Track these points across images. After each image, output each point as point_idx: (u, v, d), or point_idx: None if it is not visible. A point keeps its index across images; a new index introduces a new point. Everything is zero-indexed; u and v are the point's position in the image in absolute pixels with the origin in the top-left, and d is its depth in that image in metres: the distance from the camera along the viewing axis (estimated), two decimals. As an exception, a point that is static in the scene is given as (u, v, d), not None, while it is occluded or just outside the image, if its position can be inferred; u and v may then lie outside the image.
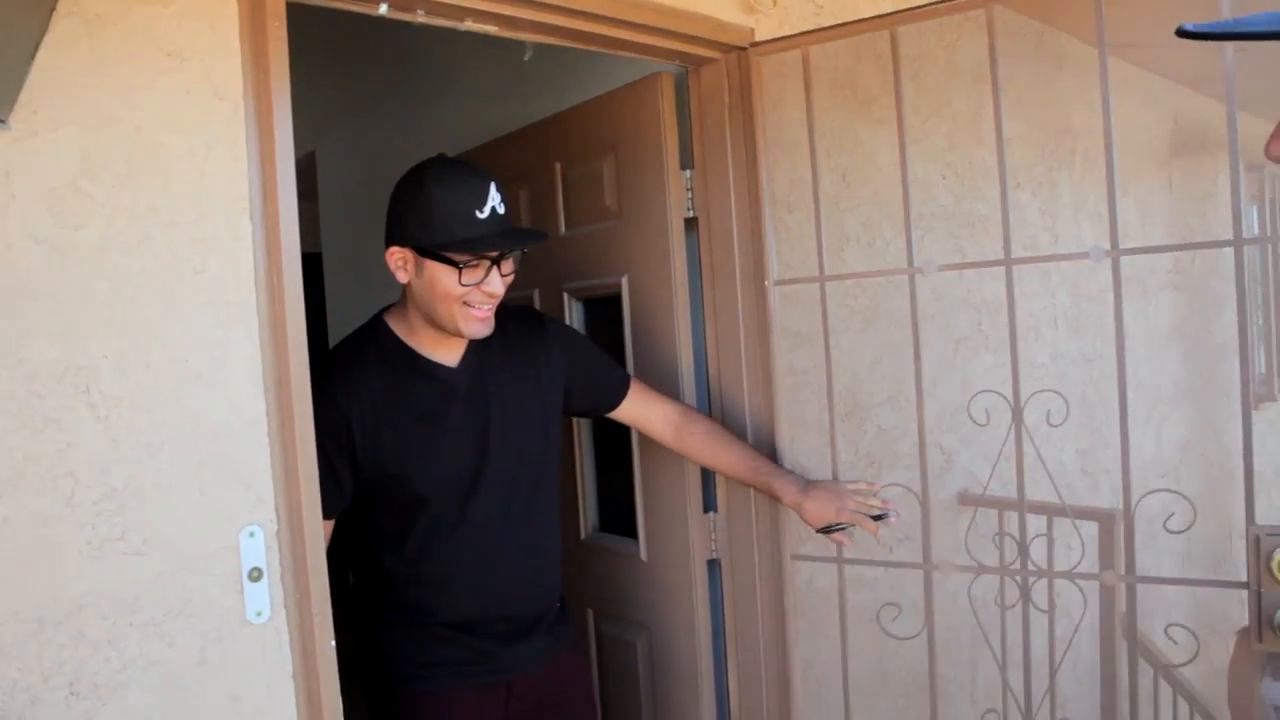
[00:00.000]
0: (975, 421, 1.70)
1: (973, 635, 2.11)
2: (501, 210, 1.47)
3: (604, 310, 2.12)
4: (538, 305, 2.24)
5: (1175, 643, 1.60)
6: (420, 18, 1.47)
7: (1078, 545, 2.04)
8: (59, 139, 1.09)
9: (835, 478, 1.82)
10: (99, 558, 1.12)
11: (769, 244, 1.81)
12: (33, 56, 1.05)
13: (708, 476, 1.97)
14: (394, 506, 1.56)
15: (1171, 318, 3.60)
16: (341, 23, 1.69)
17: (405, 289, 1.53)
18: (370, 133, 3.49)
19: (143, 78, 1.14)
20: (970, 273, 2.42)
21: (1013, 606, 1.76)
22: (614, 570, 2.12)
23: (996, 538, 1.92)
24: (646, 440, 1.99)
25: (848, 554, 1.80)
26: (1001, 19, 1.62)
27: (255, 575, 1.23)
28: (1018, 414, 1.65)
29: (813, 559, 1.85)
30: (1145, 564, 1.81)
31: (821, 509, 1.68)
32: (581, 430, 2.21)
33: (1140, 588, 1.56)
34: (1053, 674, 1.80)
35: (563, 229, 2.15)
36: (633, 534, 2.07)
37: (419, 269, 1.47)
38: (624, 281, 2.00)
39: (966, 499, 2.35)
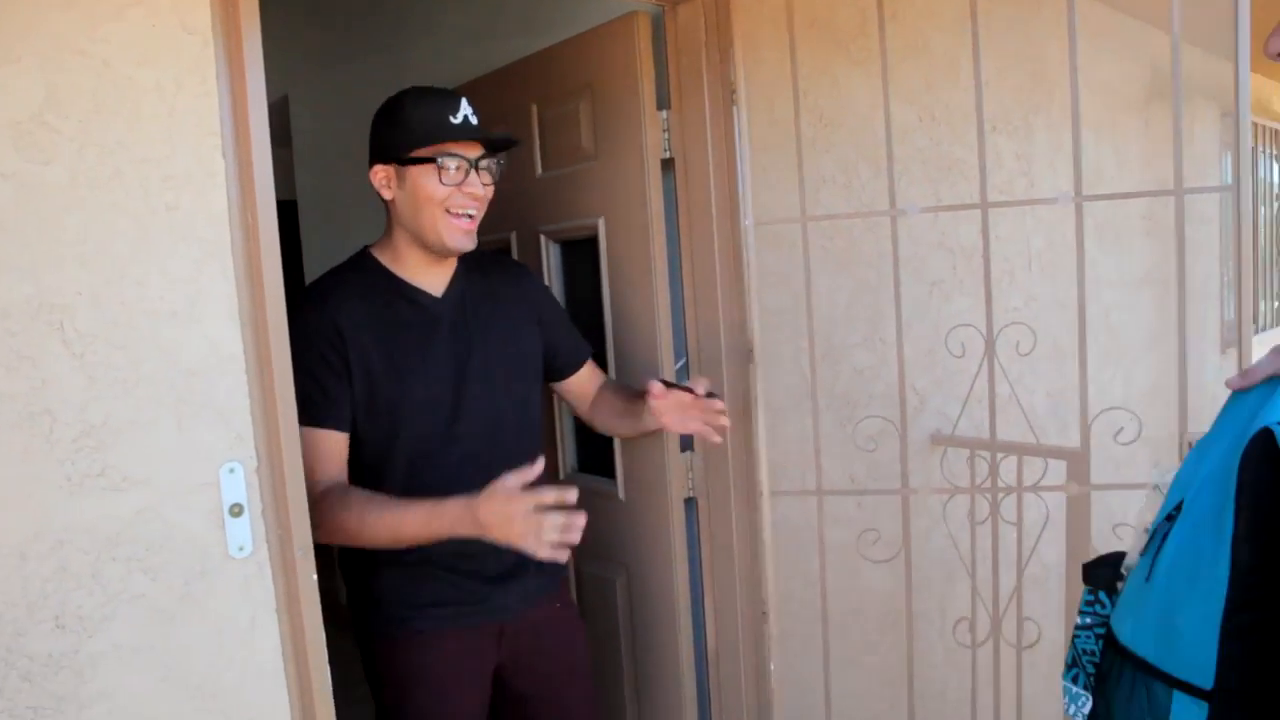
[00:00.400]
0: (951, 354, 1.77)
1: (945, 561, 2.17)
2: (474, 121, 1.53)
3: (581, 252, 2.12)
4: (514, 247, 2.24)
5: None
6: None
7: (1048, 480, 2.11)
8: (20, 71, 1.07)
9: (814, 418, 1.86)
10: (79, 493, 1.13)
11: (746, 185, 1.82)
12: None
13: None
14: (379, 426, 1.55)
15: (1145, 263, 3.64)
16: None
17: (389, 217, 1.57)
18: (345, 77, 3.44)
19: (108, 10, 1.12)
20: (945, 216, 2.44)
21: (983, 522, 1.86)
22: (592, 510, 2.12)
23: (969, 459, 2.02)
24: (625, 381, 2.01)
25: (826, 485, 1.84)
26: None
27: (236, 511, 1.24)
28: (990, 345, 1.74)
29: (789, 493, 1.89)
30: (1109, 497, 1.89)
31: (671, 420, 1.66)
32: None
33: (1110, 514, 1.62)
34: (1020, 573, 1.89)
35: (539, 170, 2.14)
36: (611, 474, 2.10)
37: (401, 180, 1.52)
38: (600, 223, 2.00)
39: (939, 439, 2.39)
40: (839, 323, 2.21)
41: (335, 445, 1.51)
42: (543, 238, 2.17)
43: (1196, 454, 0.99)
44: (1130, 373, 3.46)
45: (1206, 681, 0.88)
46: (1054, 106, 2.99)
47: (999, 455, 1.97)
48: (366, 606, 1.64)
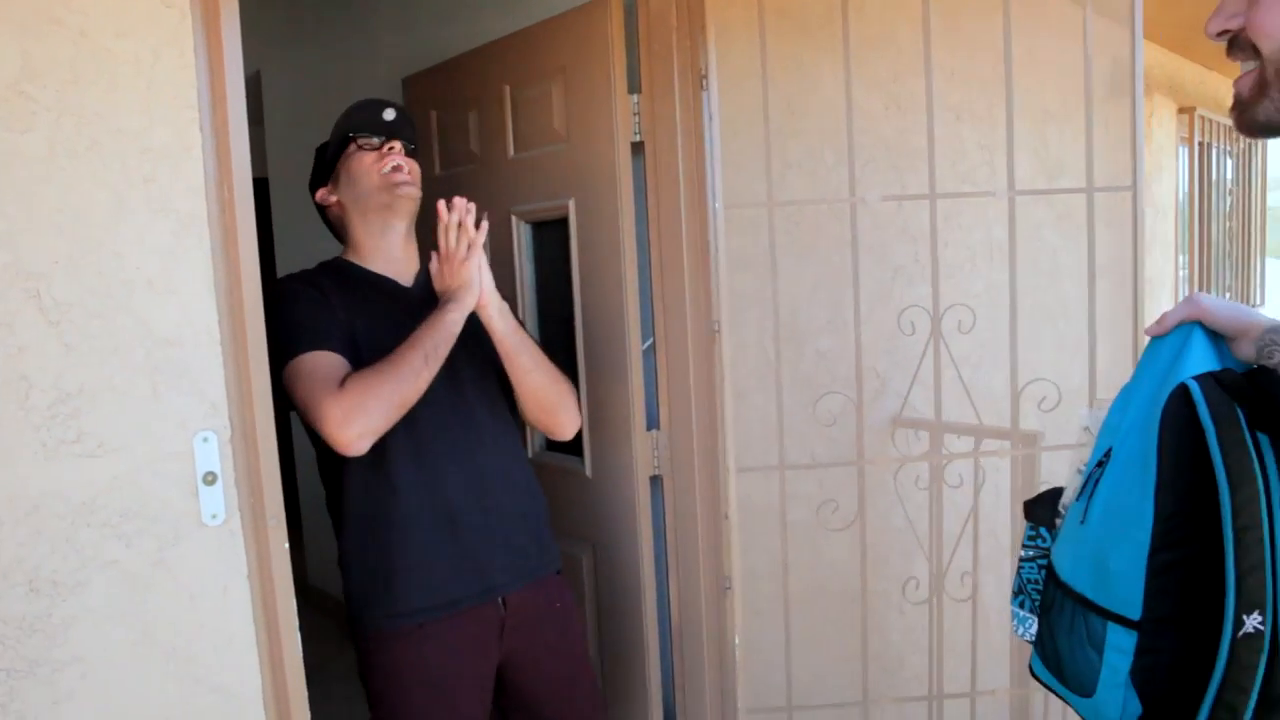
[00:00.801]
0: (903, 333, 1.87)
1: (902, 541, 2.24)
2: (390, 115, 1.69)
3: (551, 232, 2.15)
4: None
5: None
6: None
7: (1004, 464, 2.20)
8: (-3, 40, 1.08)
9: (779, 400, 1.92)
10: (54, 459, 1.15)
11: (716, 169, 1.85)
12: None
13: (651, 395, 2.04)
14: None
15: (1103, 254, 3.73)
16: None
17: (342, 229, 1.72)
18: (319, 55, 3.43)
19: (85, -19, 1.14)
20: (909, 204, 2.49)
21: (926, 488, 2.03)
22: (560, 487, 2.19)
23: (917, 432, 2.17)
24: (593, 361, 2.05)
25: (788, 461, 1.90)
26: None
27: (210, 479, 1.26)
28: (935, 325, 1.93)
29: (754, 469, 1.96)
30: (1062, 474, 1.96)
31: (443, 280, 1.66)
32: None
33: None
34: (976, 523, 2.06)
35: (511, 152, 2.16)
36: (579, 452, 2.14)
37: (338, 181, 1.70)
38: (571, 204, 2.03)
39: (900, 421, 2.45)
40: (803, 306, 2.26)
41: (344, 364, 1.52)
42: (514, 218, 2.19)
43: (1122, 400, 1.08)
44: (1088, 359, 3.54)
45: (1135, 613, 0.98)
46: (1016, 98, 3.05)
47: (961, 436, 2.06)
48: (361, 604, 1.62)
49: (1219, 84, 4.87)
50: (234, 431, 1.28)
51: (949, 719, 2.21)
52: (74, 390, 1.15)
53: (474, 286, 1.59)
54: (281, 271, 3.86)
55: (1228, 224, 5.17)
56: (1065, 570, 1.08)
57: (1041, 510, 1.20)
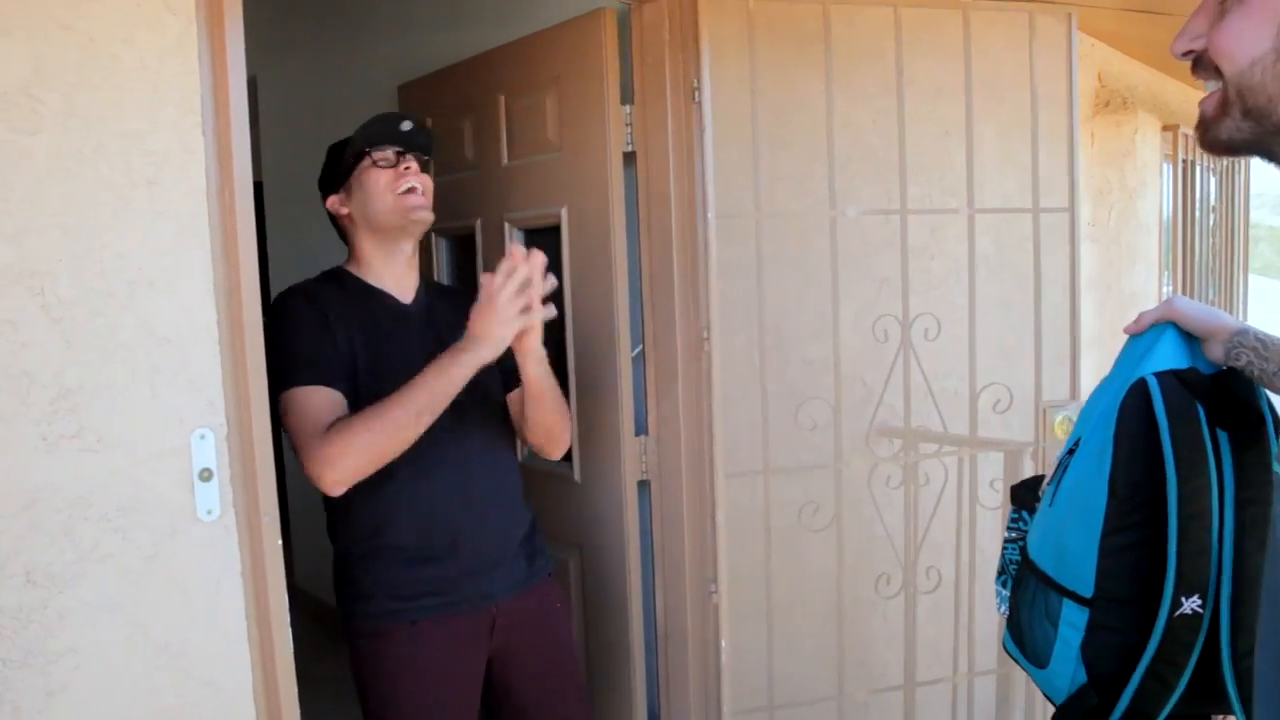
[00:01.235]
0: (876, 339, 1.99)
1: (883, 549, 2.28)
2: (407, 126, 1.68)
3: (544, 240, 2.18)
4: (479, 234, 2.29)
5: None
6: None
7: (989, 470, 2.26)
8: (9, 44, 1.11)
9: (764, 407, 1.96)
10: (54, 453, 1.17)
11: (709, 179, 1.89)
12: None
13: (640, 401, 2.07)
14: (359, 406, 1.58)
15: (1087, 269, 3.78)
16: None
17: (350, 239, 1.72)
18: (315, 61, 3.46)
19: (94, -12, 1.17)
20: (895, 217, 2.54)
21: (898, 488, 2.14)
22: (549, 492, 2.21)
23: (892, 440, 2.24)
24: (582, 367, 2.08)
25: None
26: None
27: (206, 476, 1.29)
28: (905, 328, 2.05)
29: (740, 474, 2.00)
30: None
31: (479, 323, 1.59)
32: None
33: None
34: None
35: (505, 160, 2.20)
36: (567, 457, 2.16)
37: (349, 193, 1.68)
38: (564, 212, 2.07)
39: (885, 430, 2.49)
40: (790, 315, 2.29)
41: (334, 400, 1.55)
42: (507, 225, 2.23)
43: (1097, 394, 1.14)
44: (1071, 372, 3.59)
45: (1088, 591, 1.04)
46: (1004, 114, 3.10)
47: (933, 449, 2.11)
48: (355, 601, 1.65)
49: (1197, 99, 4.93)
50: (230, 429, 1.31)
51: (931, 709, 2.27)
52: (75, 386, 1.18)
53: (504, 343, 1.55)
54: (275, 275, 3.89)
55: (1211, 241, 5.24)
56: (1033, 549, 1.14)
57: (1024, 494, 1.27)
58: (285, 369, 1.54)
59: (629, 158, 2.00)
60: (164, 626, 1.27)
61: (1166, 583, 0.98)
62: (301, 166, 3.57)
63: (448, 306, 1.75)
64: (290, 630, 1.38)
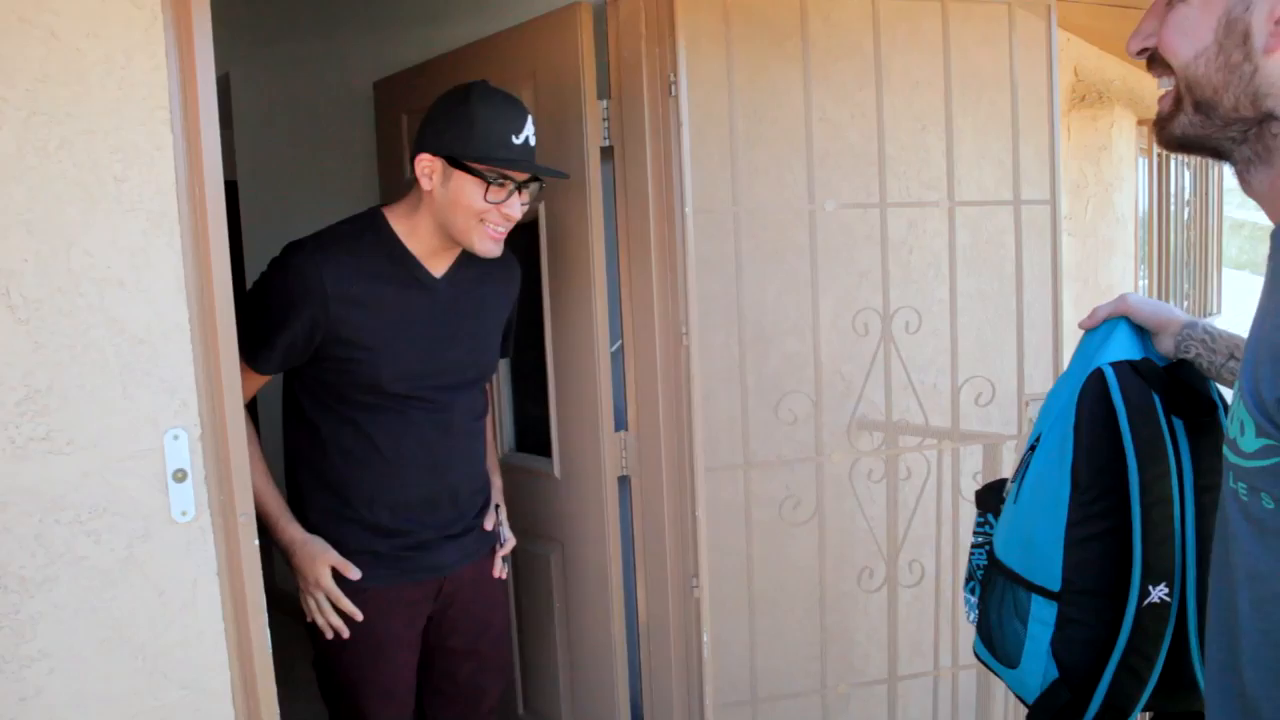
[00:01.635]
0: (856, 333, 2.00)
1: (865, 544, 2.29)
2: (533, 143, 1.60)
3: (520, 237, 2.16)
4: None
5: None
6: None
7: (971, 464, 2.27)
8: (-33, 39, 1.09)
9: (743, 401, 1.96)
10: (23, 456, 1.15)
11: (686, 173, 1.89)
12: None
13: (619, 396, 2.06)
14: (354, 388, 1.62)
15: (1064, 262, 3.80)
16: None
17: (417, 195, 1.62)
18: (289, 58, 3.42)
19: (55, -18, 1.15)
20: (873, 211, 2.54)
21: (879, 481, 2.15)
22: (529, 488, 2.21)
23: (873, 433, 2.26)
24: (561, 362, 2.07)
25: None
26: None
27: (180, 476, 1.27)
28: (886, 321, 2.04)
29: (720, 468, 2.01)
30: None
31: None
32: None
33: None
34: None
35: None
36: (547, 453, 2.16)
37: (446, 179, 1.57)
38: (541, 208, 2.05)
39: (866, 424, 2.50)
40: (770, 309, 2.30)
41: (250, 384, 1.57)
42: (485, 221, 2.21)
43: (1055, 390, 1.16)
44: (1051, 364, 3.62)
45: (1055, 584, 1.05)
46: (982, 107, 3.11)
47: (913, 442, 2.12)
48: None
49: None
50: (204, 429, 1.29)
51: (914, 703, 2.28)
52: (43, 387, 1.16)
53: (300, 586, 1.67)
54: (251, 276, 3.84)
55: (1186, 234, 5.29)
56: (1000, 548, 1.15)
57: (990, 497, 1.27)
58: (240, 321, 1.53)
59: (606, 153, 1.99)
60: (140, 629, 1.25)
61: (1133, 572, 1.00)
62: (277, 165, 3.55)
63: (477, 276, 1.73)
64: (269, 631, 1.37)
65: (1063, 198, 2.19)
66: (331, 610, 1.64)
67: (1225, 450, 0.78)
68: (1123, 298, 1.15)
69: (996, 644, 1.13)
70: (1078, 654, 1.04)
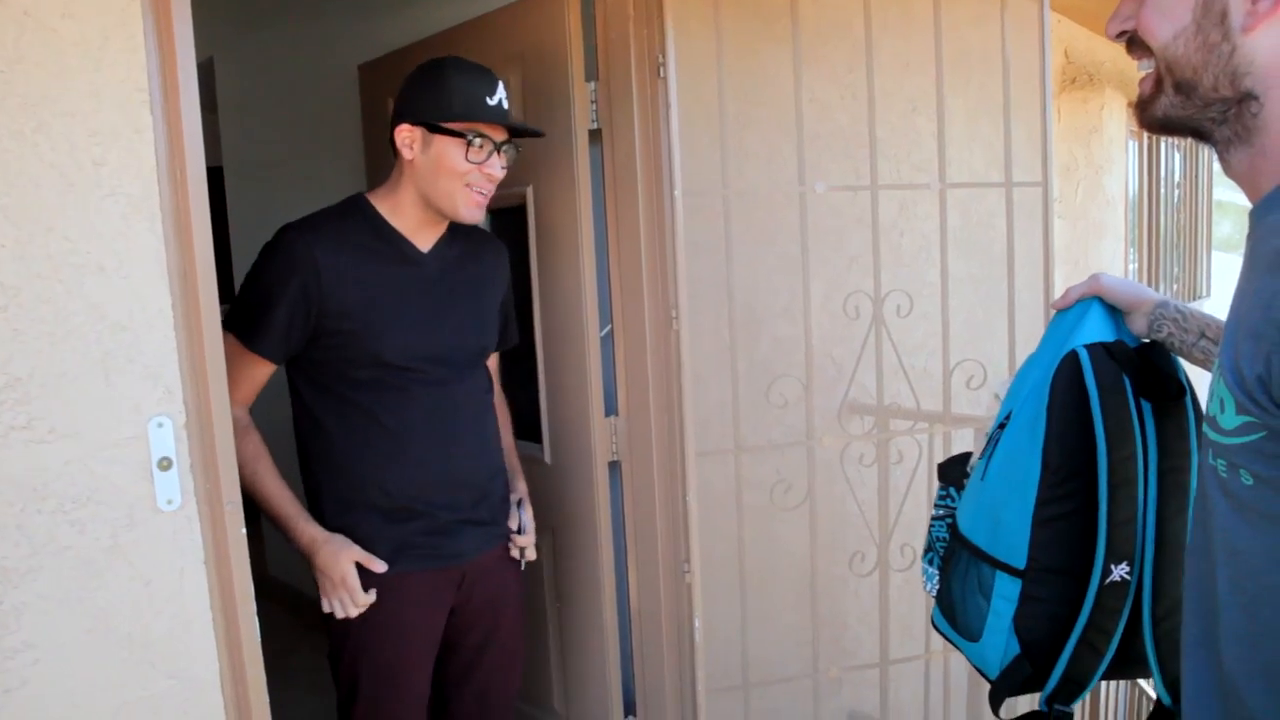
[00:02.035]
0: (847, 316, 1.93)
1: (857, 528, 2.29)
2: (506, 106, 1.62)
3: (509, 220, 2.15)
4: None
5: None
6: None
7: (962, 447, 2.27)
8: (-65, 18, 1.07)
9: (734, 385, 1.94)
10: (4, 445, 1.13)
11: (675, 156, 1.87)
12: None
13: (609, 381, 2.05)
14: (353, 365, 1.61)
15: (1058, 242, 3.80)
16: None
17: (396, 172, 1.65)
18: (273, 42, 3.39)
19: (29, -39, 1.12)
20: (864, 193, 2.53)
21: (870, 465, 2.14)
22: (520, 474, 2.19)
23: (864, 417, 2.25)
24: (550, 347, 2.06)
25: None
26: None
27: (165, 465, 1.26)
28: (877, 305, 2.02)
29: (711, 453, 2.00)
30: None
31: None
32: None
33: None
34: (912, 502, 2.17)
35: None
36: (538, 439, 2.14)
37: (426, 145, 1.59)
38: (529, 192, 2.04)
39: (857, 408, 2.49)
40: (760, 293, 2.29)
41: (257, 370, 1.60)
42: (473, 206, 2.19)
43: (1025, 370, 1.17)
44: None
45: (1021, 563, 1.07)
46: (972, 89, 3.10)
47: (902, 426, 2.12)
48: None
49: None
50: (189, 416, 1.28)
51: (905, 686, 2.29)
52: (24, 375, 1.14)
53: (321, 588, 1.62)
54: (238, 265, 3.82)
55: (1176, 216, 5.29)
56: (965, 524, 1.17)
57: (952, 470, 1.29)
58: (238, 305, 1.59)
59: (594, 135, 1.97)
60: (126, 619, 1.24)
61: (1097, 551, 1.02)
62: (262, 149, 3.52)
63: (465, 256, 1.74)
64: (257, 619, 1.36)
65: (1054, 180, 2.18)
66: (354, 607, 1.61)
67: (1205, 428, 0.79)
68: (1095, 278, 1.15)
69: (958, 617, 1.15)
70: (1039, 630, 1.06)
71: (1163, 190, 5.00)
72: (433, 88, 1.58)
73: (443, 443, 1.66)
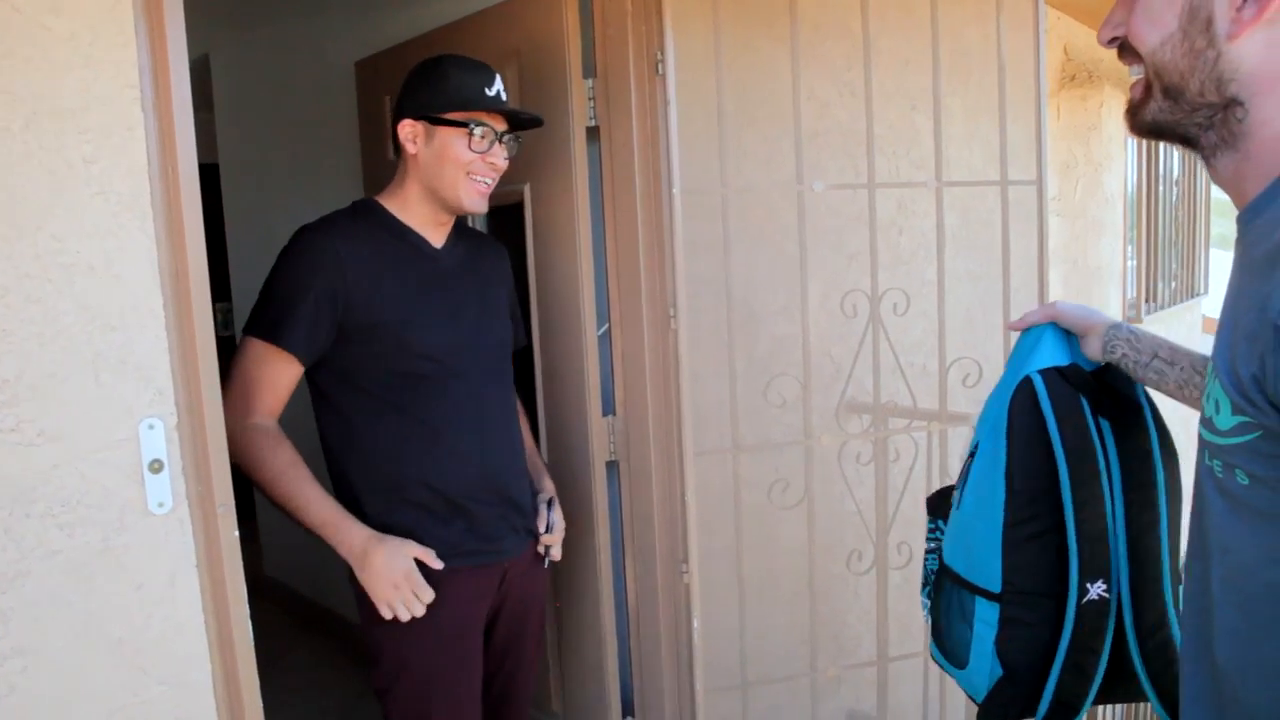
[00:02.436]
0: (844, 314, 1.99)
1: (855, 527, 2.28)
2: (504, 98, 1.63)
3: (506, 217, 2.14)
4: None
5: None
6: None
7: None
8: (-74, 15, 1.05)
9: (732, 384, 1.93)
10: (-8, 448, 1.12)
11: (673, 154, 1.86)
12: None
13: (607, 381, 2.04)
14: (386, 360, 1.59)
15: (1053, 243, 3.79)
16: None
17: (401, 171, 1.65)
18: (269, 39, 3.37)
19: (18, -44, 1.10)
20: (863, 191, 2.52)
21: (868, 464, 2.15)
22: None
23: (861, 416, 2.24)
24: (548, 346, 2.04)
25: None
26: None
27: (156, 467, 1.24)
28: (874, 303, 2.02)
29: (710, 452, 1.99)
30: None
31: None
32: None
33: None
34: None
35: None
36: (535, 438, 2.13)
37: (429, 138, 1.60)
38: (526, 189, 2.02)
39: (854, 406, 2.48)
40: (760, 291, 2.27)
41: (284, 373, 1.56)
42: (469, 204, 2.18)
43: (991, 399, 1.20)
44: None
45: (996, 586, 1.09)
46: (971, 86, 3.09)
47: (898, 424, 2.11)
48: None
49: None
50: (181, 418, 1.26)
51: (904, 684, 2.28)
52: (11, 377, 1.12)
53: (374, 596, 1.56)
54: (235, 264, 3.79)
55: (1174, 214, 5.28)
56: (947, 553, 1.20)
57: (939, 503, 1.30)
58: (259, 308, 1.55)
59: (592, 133, 1.96)
60: (117, 624, 1.22)
61: (1070, 570, 1.05)
62: (259, 147, 3.50)
63: (473, 256, 1.75)
64: (250, 623, 1.34)
65: (1050, 178, 2.17)
66: (417, 602, 1.56)
67: (1200, 429, 0.81)
68: (1051, 304, 1.20)
69: (948, 645, 1.17)
70: (1021, 653, 1.08)
71: (1161, 188, 4.99)
72: (432, 82, 1.60)
73: (479, 438, 1.65)
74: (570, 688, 2.20)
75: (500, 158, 1.64)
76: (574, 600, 2.14)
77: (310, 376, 1.61)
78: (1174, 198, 5.28)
